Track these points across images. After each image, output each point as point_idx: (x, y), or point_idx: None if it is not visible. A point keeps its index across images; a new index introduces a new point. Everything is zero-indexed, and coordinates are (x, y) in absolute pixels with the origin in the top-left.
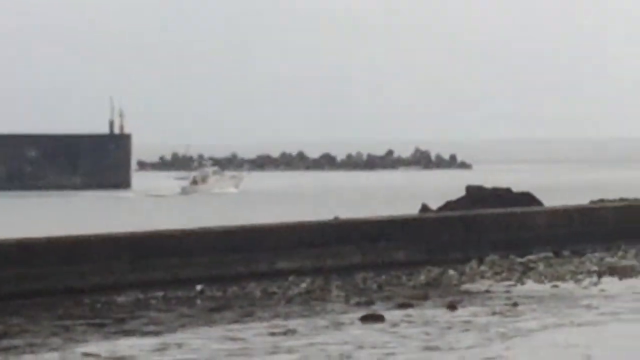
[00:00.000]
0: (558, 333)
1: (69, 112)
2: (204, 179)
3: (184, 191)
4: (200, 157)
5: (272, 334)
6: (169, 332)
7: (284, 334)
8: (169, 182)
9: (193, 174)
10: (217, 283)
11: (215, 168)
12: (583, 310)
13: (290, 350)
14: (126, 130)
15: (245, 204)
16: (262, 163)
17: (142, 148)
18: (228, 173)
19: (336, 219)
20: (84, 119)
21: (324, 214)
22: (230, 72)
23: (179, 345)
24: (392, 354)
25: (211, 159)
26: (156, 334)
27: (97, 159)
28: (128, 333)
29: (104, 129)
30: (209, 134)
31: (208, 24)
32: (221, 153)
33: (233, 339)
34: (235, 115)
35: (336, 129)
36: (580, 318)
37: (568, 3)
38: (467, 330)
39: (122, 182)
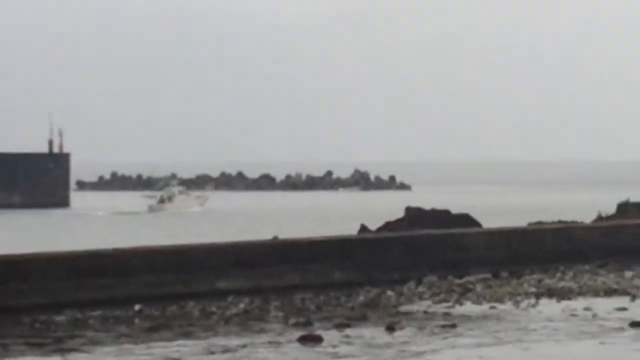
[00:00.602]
0: (494, 353)
1: (7, 130)
2: (170, 198)
3: (151, 209)
4: (171, 176)
5: (212, 353)
6: (106, 353)
7: (223, 352)
8: (137, 200)
9: (160, 193)
10: (156, 302)
11: (181, 188)
12: (521, 332)
13: None
14: (65, 149)
15: (211, 223)
16: (201, 182)
17: (81, 167)
18: (194, 193)
19: (275, 238)
20: (23, 137)
21: (290, 233)
22: (171, 88)
23: None
24: None
25: (175, 178)
26: (92, 353)
27: (36, 178)
28: (65, 352)
29: (43, 148)
30: (148, 153)
31: (146, 38)
32: (160, 172)
33: (171, 359)
34: (175, 134)
35: (275, 150)
36: (518, 339)
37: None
38: (403, 351)
39: (60, 201)
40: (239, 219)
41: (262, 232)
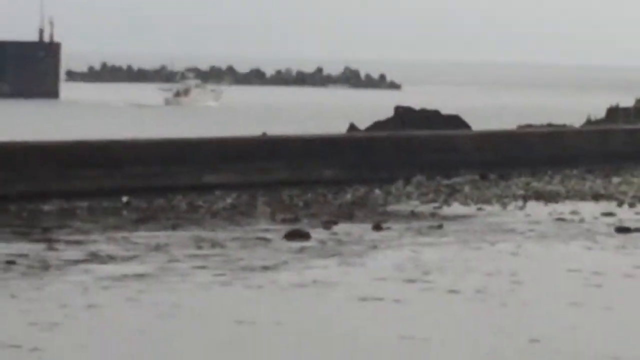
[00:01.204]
0: (479, 254)
1: None
2: (186, 92)
3: (167, 102)
4: (188, 70)
5: (199, 247)
6: (93, 241)
7: (211, 247)
8: (153, 93)
9: (176, 86)
10: (143, 195)
11: (198, 81)
12: (507, 234)
13: (214, 265)
14: (56, 39)
15: (230, 118)
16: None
17: (71, 57)
18: (209, 87)
19: (264, 134)
20: (12, 27)
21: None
22: None
23: (107, 256)
24: (311, 267)
25: (192, 71)
26: (81, 243)
27: (26, 67)
28: (53, 241)
29: (33, 37)
30: (139, 45)
31: None
32: (150, 64)
33: (159, 250)
34: (165, 27)
35: (266, 45)
36: (504, 240)
37: None
38: (390, 247)
39: (50, 91)
40: (256, 113)
41: (282, 127)
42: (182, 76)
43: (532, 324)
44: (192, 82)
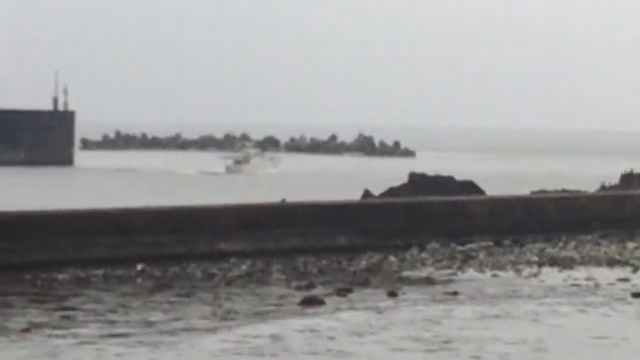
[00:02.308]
0: (498, 324)
1: (12, 87)
2: (246, 159)
3: (229, 170)
4: (244, 137)
5: (214, 315)
6: (109, 310)
7: (227, 313)
8: (215, 161)
9: (237, 154)
10: (158, 263)
11: (257, 150)
12: (523, 301)
13: (230, 333)
14: (70, 108)
15: (287, 185)
16: (205, 144)
17: (85, 125)
18: (267, 154)
19: (283, 201)
20: (28, 94)
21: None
22: (178, 51)
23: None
24: (332, 338)
25: (250, 140)
26: (96, 312)
27: (40, 136)
28: (69, 309)
29: (48, 106)
30: (153, 113)
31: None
32: (164, 133)
33: (176, 319)
34: (179, 96)
35: (280, 111)
36: (520, 309)
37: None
38: (404, 318)
39: (65, 159)
40: (314, 180)
41: (341, 193)
42: (242, 145)
43: None
44: (251, 150)
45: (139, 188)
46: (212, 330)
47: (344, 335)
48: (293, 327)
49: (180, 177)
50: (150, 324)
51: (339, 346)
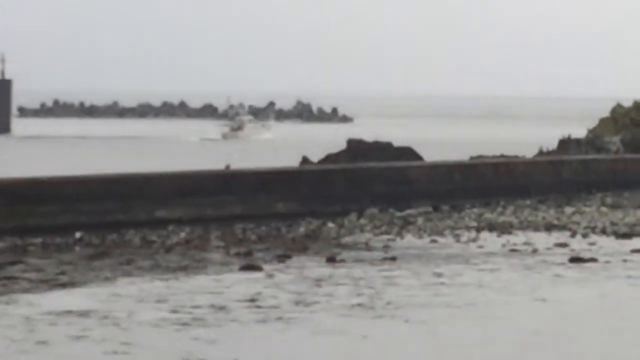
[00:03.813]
0: (444, 290)
1: None
2: (240, 127)
3: (225, 137)
4: (239, 106)
5: (151, 282)
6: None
7: (165, 280)
8: (211, 128)
9: (231, 122)
10: (96, 230)
11: (251, 117)
12: (462, 266)
13: (163, 299)
14: (7, 76)
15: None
16: (143, 111)
17: (23, 94)
18: (259, 122)
19: (227, 168)
20: None
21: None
22: (119, 19)
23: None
24: (263, 306)
25: (250, 106)
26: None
27: None
28: (7, 279)
29: None
30: (93, 81)
31: None
32: (101, 100)
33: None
34: (118, 62)
35: (217, 80)
36: (461, 274)
37: None
38: (344, 284)
39: (1, 127)
40: (307, 145)
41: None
42: (236, 112)
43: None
44: (245, 117)
45: (91, 156)
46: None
47: (288, 303)
48: (234, 296)
49: (177, 144)
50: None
51: (286, 314)
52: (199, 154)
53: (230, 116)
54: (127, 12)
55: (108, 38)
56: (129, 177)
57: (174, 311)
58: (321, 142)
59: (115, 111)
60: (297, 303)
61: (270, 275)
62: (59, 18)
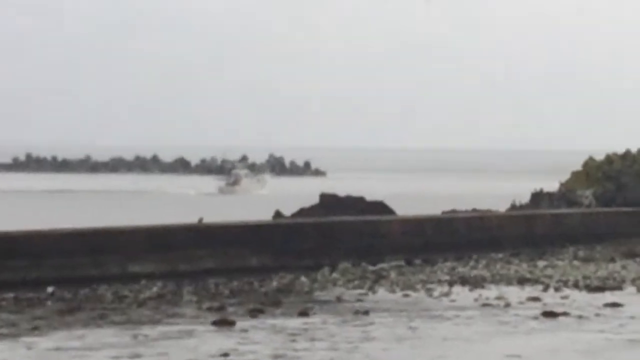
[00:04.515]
0: (412, 343)
1: None
2: (237, 181)
3: (221, 191)
4: (241, 159)
5: (123, 337)
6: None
7: (135, 337)
8: (209, 182)
9: (228, 176)
10: (68, 285)
11: (247, 171)
12: (435, 321)
13: (136, 355)
14: None
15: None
16: (116, 166)
17: None
18: (256, 177)
19: (200, 221)
20: None
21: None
22: (84, 73)
23: (29, 347)
24: None
25: (243, 162)
26: (8, 337)
27: None
28: None
29: None
30: (64, 136)
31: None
32: (73, 155)
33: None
34: (90, 116)
35: (191, 134)
36: (433, 328)
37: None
38: (317, 339)
39: None
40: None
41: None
42: (233, 166)
43: None
44: (242, 171)
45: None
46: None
47: (262, 357)
48: (208, 351)
49: (176, 198)
50: (63, 349)
51: None
52: (199, 209)
53: (227, 171)
54: (101, 65)
55: (82, 91)
56: (100, 231)
57: None
58: (293, 195)
59: (87, 165)
60: (275, 357)
61: (244, 330)
62: (32, 71)
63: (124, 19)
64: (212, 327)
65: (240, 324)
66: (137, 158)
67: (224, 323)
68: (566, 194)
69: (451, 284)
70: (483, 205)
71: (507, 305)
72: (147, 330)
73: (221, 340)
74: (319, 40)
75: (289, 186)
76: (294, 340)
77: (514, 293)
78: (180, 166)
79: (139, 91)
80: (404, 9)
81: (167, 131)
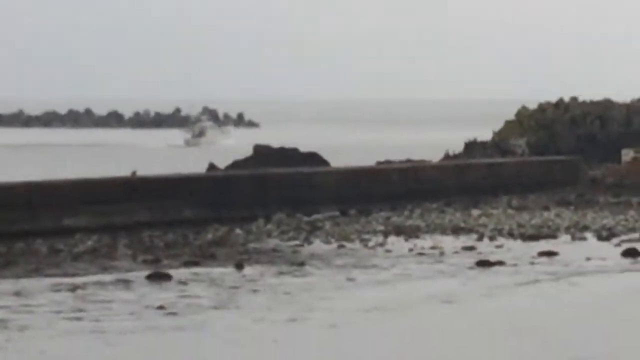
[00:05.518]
0: (347, 293)
1: None
2: (202, 133)
3: (187, 144)
4: (203, 111)
5: (58, 291)
6: None
7: (71, 291)
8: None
9: (193, 128)
10: (2, 239)
11: (211, 123)
12: (370, 270)
13: (78, 309)
14: None
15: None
16: (49, 119)
17: None
18: (219, 128)
19: (134, 174)
20: None
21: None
22: (21, 25)
23: None
24: (177, 313)
25: (206, 114)
26: None
27: None
28: None
29: None
30: None
31: None
32: (6, 109)
33: (20, 295)
34: (20, 69)
35: (124, 87)
36: (368, 278)
37: None
38: (255, 290)
39: None
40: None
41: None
42: (198, 119)
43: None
44: (206, 123)
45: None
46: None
47: (201, 309)
48: (151, 304)
49: (145, 151)
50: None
51: (201, 317)
52: (168, 161)
53: (191, 122)
54: (30, 16)
55: (7, 44)
56: (34, 185)
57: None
58: (227, 147)
59: (19, 120)
60: (217, 309)
61: (182, 282)
62: None
63: None
64: (148, 281)
65: (177, 276)
66: (71, 112)
67: (159, 276)
68: (499, 143)
69: (386, 234)
70: (417, 155)
71: (442, 254)
72: (83, 283)
73: (160, 293)
74: None
75: (253, 137)
76: (233, 293)
77: (448, 242)
78: (114, 120)
79: (73, 45)
80: None
81: (100, 83)
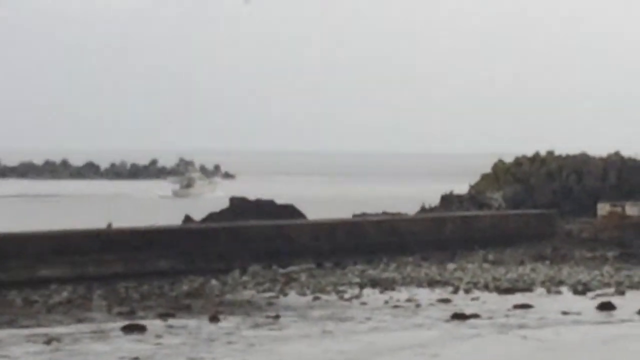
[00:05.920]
0: (323, 347)
1: None
2: (190, 184)
3: (176, 194)
4: (189, 163)
5: (34, 342)
6: None
7: (47, 343)
8: (164, 185)
9: (182, 179)
10: None
11: (200, 174)
12: (346, 323)
13: None
14: None
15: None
16: (25, 170)
17: None
18: (208, 179)
19: (109, 226)
20: None
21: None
22: None
23: None
24: None
25: (193, 165)
26: None
27: None
28: None
29: None
30: None
31: None
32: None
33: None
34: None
35: (100, 138)
36: (344, 329)
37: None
38: (230, 342)
39: None
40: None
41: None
42: (186, 169)
43: None
44: (195, 174)
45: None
46: None
47: None
48: (119, 354)
49: (131, 201)
50: None
51: None
52: (161, 210)
53: (180, 172)
54: (9, 67)
55: None
56: (8, 236)
57: None
58: (203, 199)
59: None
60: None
61: (158, 335)
62: None
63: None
64: (124, 332)
65: (152, 328)
66: (47, 162)
67: (135, 328)
68: (476, 197)
69: (362, 286)
70: (393, 208)
71: (418, 306)
72: (58, 335)
73: (136, 345)
74: (219, 43)
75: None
76: (209, 345)
77: (424, 295)
78: (90, 170)
79: (52, 92)
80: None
81: (77, 134)
